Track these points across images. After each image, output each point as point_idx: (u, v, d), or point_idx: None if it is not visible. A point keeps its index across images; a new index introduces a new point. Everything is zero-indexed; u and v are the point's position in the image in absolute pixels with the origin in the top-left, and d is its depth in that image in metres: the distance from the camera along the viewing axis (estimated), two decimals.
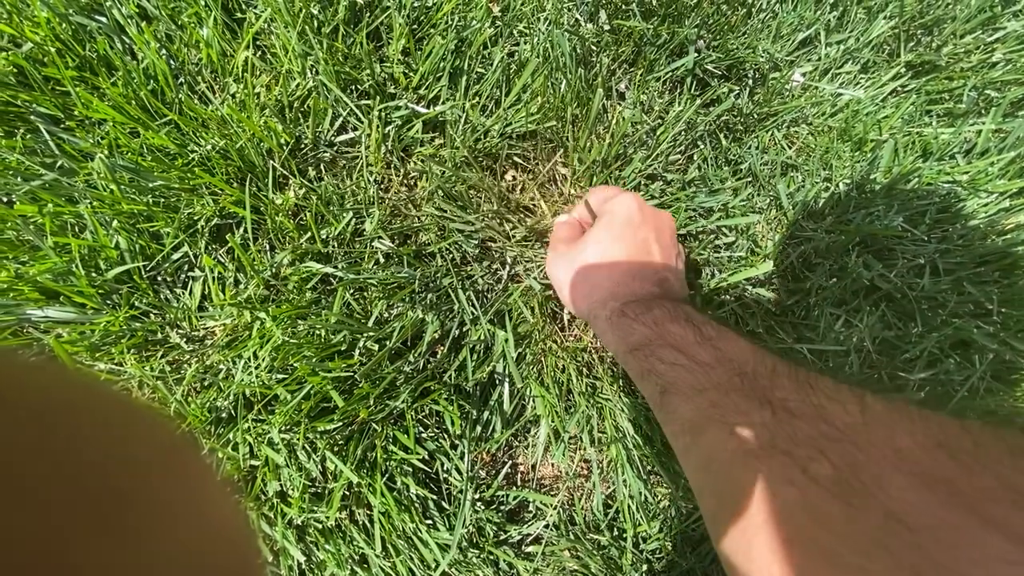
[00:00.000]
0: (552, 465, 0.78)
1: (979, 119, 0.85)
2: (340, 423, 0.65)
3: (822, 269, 0.78)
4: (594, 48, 0.80)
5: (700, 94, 0.79)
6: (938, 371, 0.76)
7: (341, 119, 0.77)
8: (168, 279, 0.73)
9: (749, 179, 0.80)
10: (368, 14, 0.78)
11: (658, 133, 0.79)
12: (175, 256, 0.71)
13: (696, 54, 0.80)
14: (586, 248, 0.57)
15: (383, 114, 0.76)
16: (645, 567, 0.70)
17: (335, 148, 0.77)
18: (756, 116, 0.83)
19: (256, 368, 0.67)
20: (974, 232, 0.81)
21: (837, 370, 0.73)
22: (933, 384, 0.76)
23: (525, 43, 0.79)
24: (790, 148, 0.83)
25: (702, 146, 0.80)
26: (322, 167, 0.76)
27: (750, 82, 0.84)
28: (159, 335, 0.71)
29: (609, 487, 0.75)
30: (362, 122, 0.76)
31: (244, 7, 0.78)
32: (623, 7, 0.80)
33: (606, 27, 0.81)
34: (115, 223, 0.69)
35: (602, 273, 0.55)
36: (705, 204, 0.75)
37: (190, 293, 0.72)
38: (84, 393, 0.17)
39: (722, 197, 0.75)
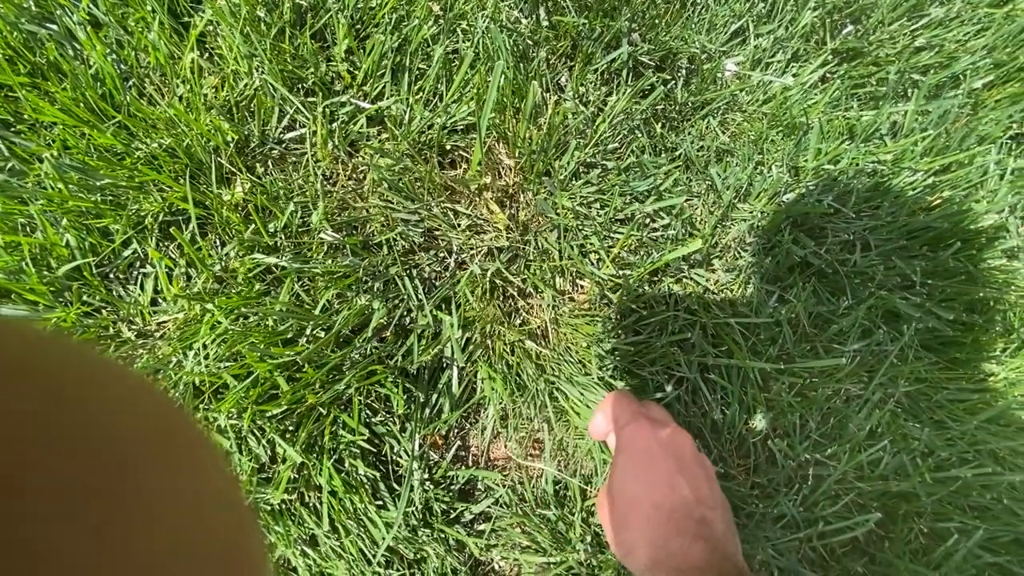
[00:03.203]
0: (505, 446, 0.80)
1: (904, 102, 0.89)
2: (287, 408, 0.67)
3: (756, 248, 0.81)
4: (532, 43, 0.83)
5: (635, 85, 0.82)
6: (870, 342, 0.80)
7: (288, 117, 0.79)
8: (120, 276, 0.75)
9: (685, 164, 0.83)
10: (312, 15, 0.81)
11: (596, 123, 0.82)
12: (125, 253, 0.73)
13: (630, 47, 0.83)
14: (612, 492, 0.52)
15: (328, 111, 0.79)
16: (591, 538, 0.73)
17: (283, 145, 0.80)
18: (691, 105, 0.87)
19: (205, 358, 0.69)
20: (901, 208, 0.84)
21: (770, 343, 0.77)
22: (865, 354, 0.80)
23: (466, 40, 0.83)
24: (724, 134, 0.86)
25: (639, 135, 0.83)
26: (270, 163, 0.78)
27: (684, 73, 0.88)
28: (111, 330, 0.72)
29: (559, 465, 0.78)
30: (308, 119, 0.78)
31: (191, 11, 0.81)
32: (560, 3, 0.84)
33: (544, 23, 0.84)
34: (64, 221, 0.71)
35: (634, 528, 0.49)
36: (640, 188, 0.78)
37: (142, 289, 0.74)
38: (89, 366, 0.17)
39: (655, 181, 0.78)
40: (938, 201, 0.86)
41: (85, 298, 0.72)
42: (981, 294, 0.83)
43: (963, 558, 0.72)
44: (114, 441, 0.15)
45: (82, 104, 0.74)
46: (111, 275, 0.74)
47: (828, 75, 0.90)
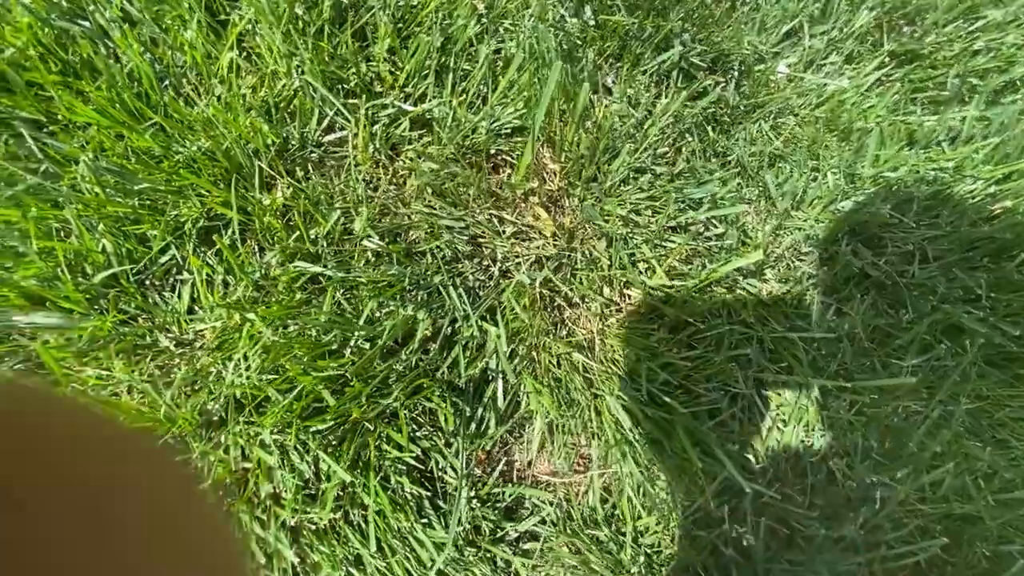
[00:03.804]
0: (549, 461, 0.78)
1: (963, 107, 0.86)
2: (332, 423, 0.64)
3: (812, 258, 0.78)
4: (579, 43, 0.80)
5: (686, 87, 0.79)
6: (930, 357, 0.77)
7: (328, 119, 0.77)
8: (156, 283, 0.72)
9: (737, 170, 0.80)
10: (353, 14, 0.78)
11: (645, 126, 0.79)
12: (163, 259, 0.71)
13: (681, 47, 0.80)
14: None
15: (370, 113, 0.76)
16: (643, 559, 0.70)
17: (323, 148, 0.77)
18: (743, 108, 0.83)
19: (246, 370, 0.66)
20: (962, 218, 0.81)
21: (830, 358, 0.74)
22: (926, 371, 0.77)
23: (511, 40, 0.80)
24: (777, 139, 0.83)
25: (690, 139, 0.80)
26: (310, 167, 0.76)
27: (736, 74, 0.85)
28: (148, 339, 0.70)
29: (606, 483, 0.75)
30: (349, 121, 0.75)
31: (228, 9, 0.78)
32: (608, 2, 0.81)
33: (591, 22, 0.81)
34: (101, 226, 0.68)
35: None
36: (694, 195, 0.75)
37: (179, 296, 0.72)
38: (68, 417, 0.17)
39: (710, 188, 0.75)
40: (1000, 211, 0.83)
41: (121, 306, 0.69)
42: None
43: None
44: (92, 495, 0.15)
45: (118, 104, 0.71)
46: (147, 282, 0.71)
47: (884, 78, 0.87)
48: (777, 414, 0.73)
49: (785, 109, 0.85)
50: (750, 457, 0.71)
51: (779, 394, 0.73)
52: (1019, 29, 0.93)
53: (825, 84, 0.84)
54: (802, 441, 0.73)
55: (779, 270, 0.79)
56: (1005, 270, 0.78)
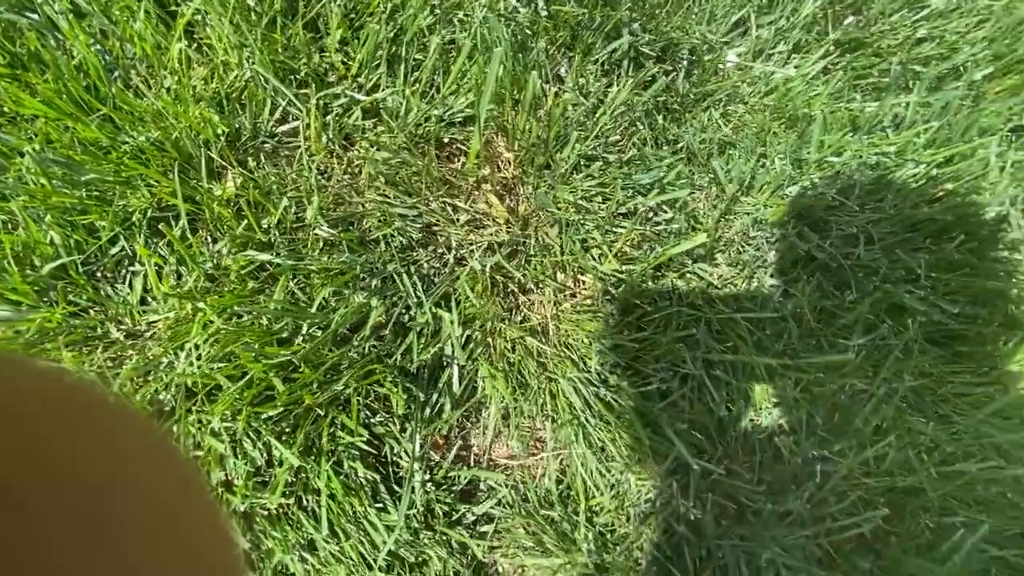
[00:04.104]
0: (507, 445, 0.79)
1: (906, 93, 0.88)
2: (283, 409, 0.65)
3: (760, 242, 0.80)
4: (531, 33, 0.82)
5: (635, 76, 0.81)
6: (875, 336, 0.79)
7: (280, 109, 0.77)
8: (108, 274, 0.72)
9: (687, 157, 0.82)
10: (304, 4, 0.78)
11: (597, 115, 0.80)
12: (113, 250, 0.71)
13: (630, 37, 0.81)
14: None
15: (322, 103, 0.77)
16: (597, 538, 0.71)
17: (276, 138, 0.77)
18: (693, 96, 0.85)
19: (198, 359, 0.67)
20: (905, 201, 0.83)
21: (776, 338, 0.76)
22: (870, 349, 0.79)
23: (463, 30, 0.80)
24: (727, 126, 0.85)
25: (640, 127, 0.82)
26: (262, 157, 0.76)
27: (686, 64, 0.86)
28: (99, 331, 0.70)
29: (562, 464, 0.76)
30: (301, 111, 0.76)
31: (179, 0, 0.78)
32: None
33: (543, 12, 0.82)
34: (48, 218, 0.68)
35: None
36: (642, 181, 0.77)
37: (131, 287, 0.72)
38: (58, 391, 0.17)
39: (657, 174, 0.77)
40: (941, 193, 0.85)
41: (71, 297, 0.69)
42: (986, 287, 0.83)
43: (968, 553, 0.72)
44: (82, 469, 0.15)
45: (65, 96, 0.71)
46: (98, 274, 0.71)
47: (830, 66, 0.89)
48: (726, 393, 0.75)
49: (734, 97, 0.87)
50: (700, 436, 0.73)
51: (728, 374, 0.74)
52: (962, 17, 0.96)
53: (773, 73, 0.86)
54: (750, 419, 0.75)
55: (729, 254, 0.81)
56: (945, 251, 0.81)
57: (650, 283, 0.78)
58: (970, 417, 0.77)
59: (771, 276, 0.79)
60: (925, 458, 0.75)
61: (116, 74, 0.75)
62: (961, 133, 0.87)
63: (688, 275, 0.79)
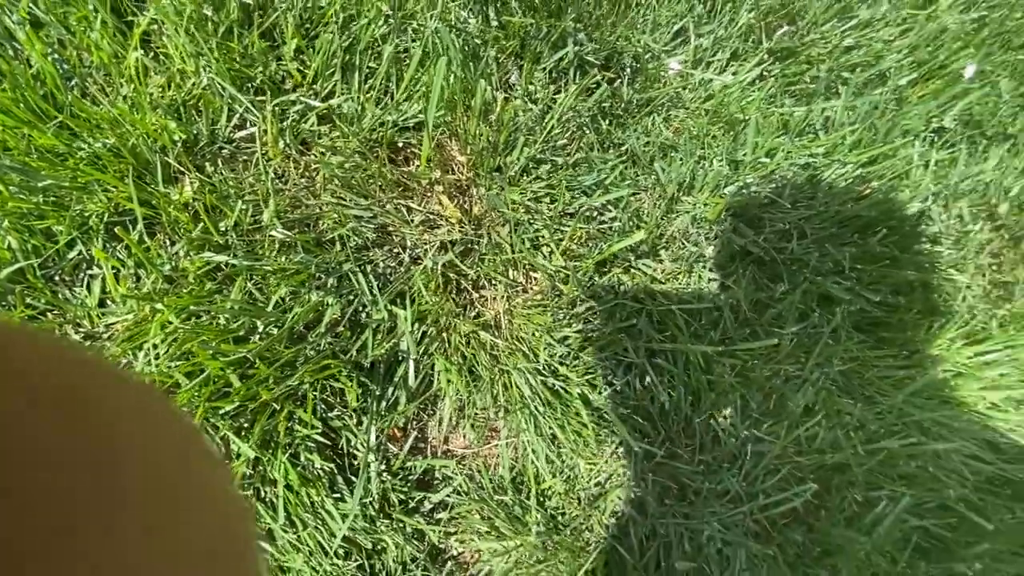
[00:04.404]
0: (463, 436, 0.82)
1: (835, 98, 0.95)
2: (240, 404, 0.67)
3: (699, 238, 0.85)
4: (481, 43, 0.86)
5: (582, 83, 0.85)
6: (806, 324, 0.85)
7: (238, 116, 0.79)
8: (66, 278, 0.74)
9: (630, 160, 0.87)
10: (259, 14, 0.81)
11: (545, 120, 0.84)
12: (70, 254, 0.72)
13: (576, 46, 0.86)
14: None
15: (279, 109, 0.79)
16: (547, 520, 0.75)
17: (234, 144, 0.80)
18: (636, 102, 0.90)
19: (156, 358, 0.69)
20: (834, 198, 0.89)
21: (711, 327, 0.81)
22: (802, 336, 0.85)
23: (415, 39, 0.84)
24: (668, 130, 0.90)
25: (587, 131, 0.86)
26: (220, 163, 0.78)
27: (629, 71, 0.91)
28: (57, 334, 0.71)
29: (516, 452, 0.80)
30: (258, 118, 0.78)
31: (136, 10, 0.80)
32: (508, 3, 0.86)
33: (494, 23, 0.86)
34: (5, 223, 0.69)
35: None
36: (586, 182, 0.81)
37: (89, 291, 0.73)
38: (78, 368, 0.17)
39: (602, 176, 0.82)
40: (867, 191, 0.92)
41: (30, 301, 0.71)
42: (907, 277, 0.89)
43: (892, 523, 0.77)
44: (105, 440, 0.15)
45: (22, 104, 0.72)
46: (56, 277, 0.73)
47: (765, 73, 0.95)
48: (667, 380, 0.79)
49: (676, 102, 0.92)
50: (642, 421, 0.77)
51: (669, 362, 0.79)
52: (887, 27, 1.03)
53: (711, 80, 0.92)
54: (690, 404, 0.79)
55: (672, 250, 0.86)
56: (869, 244, 0.87)
57: (596, 278, 0.82)
58: (893, 397, 0.83)
59: (710, 270, 0.84)
60: (852, 436, 0.81)
61: (73, 82, 0.77)
62: (885, 135, 0.93)
63: (633, 270, 0.84)
